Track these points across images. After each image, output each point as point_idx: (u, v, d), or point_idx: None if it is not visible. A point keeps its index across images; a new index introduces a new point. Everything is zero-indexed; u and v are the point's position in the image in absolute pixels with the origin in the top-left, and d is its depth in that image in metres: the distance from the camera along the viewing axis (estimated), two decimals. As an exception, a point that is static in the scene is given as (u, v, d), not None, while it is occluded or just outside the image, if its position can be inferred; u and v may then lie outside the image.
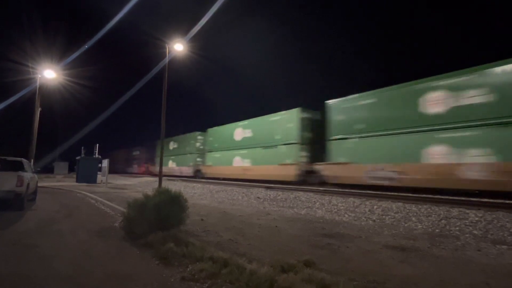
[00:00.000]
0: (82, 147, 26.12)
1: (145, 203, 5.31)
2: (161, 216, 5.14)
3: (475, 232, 6.40)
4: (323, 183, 15.24)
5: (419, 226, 7.11)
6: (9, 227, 6.45)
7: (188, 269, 3.67)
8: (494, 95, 10.01)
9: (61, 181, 24.97)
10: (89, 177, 22.49)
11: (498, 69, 10.11)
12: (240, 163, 21.65)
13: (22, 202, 8.63)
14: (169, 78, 14.83)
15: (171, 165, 32.33)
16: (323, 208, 9.69)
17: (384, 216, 8.11)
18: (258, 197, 12.59)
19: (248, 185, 17.20)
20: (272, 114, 19.55)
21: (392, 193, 11.00)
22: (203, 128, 28.38)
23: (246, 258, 3.96)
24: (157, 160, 26.99)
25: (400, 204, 9.08)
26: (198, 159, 27.98)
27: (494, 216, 7.16)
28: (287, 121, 18.05)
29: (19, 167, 9.33)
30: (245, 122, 21.88)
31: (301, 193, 12.63)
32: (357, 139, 13.91)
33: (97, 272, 3.81)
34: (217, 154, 24.68)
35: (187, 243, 4.43)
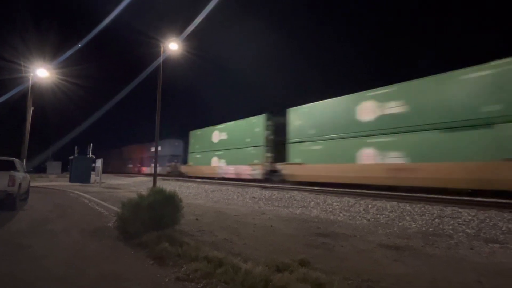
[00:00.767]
0: (76, 147, 25.90)
1: (139, 202, 5.27)
2: (155, 216, 5.11)
3: (468, 231, 6.46)
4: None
5: (413, 225, 7.16)
6: (1, 227, 6.37)
7: (183, 269, 3.65)
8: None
9: (54, 181, 24.71)
10: (82, 177, 22.29)
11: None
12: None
13: (14, 202, 8.53)
14: (165, 78, 14.78)
15: (216, 163, 23.90)
16: (318, 208, 9.71)
17: (378, 215, 8.16)
18: (253, 197, 12.59)
19: (243, 184, 17.23)
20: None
21: (387, 193, 11.07)
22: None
23: (241, 258, 3.95)
24: (193, 156, 27.16)
25: (394, 203, 9.14)
26: (268, 155, 19.51)
27: (487, 215, 7.24)
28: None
29: (11, 166, 9.21)
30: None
31: (296, 192, 12.66)
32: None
33: (91, 272, 3.77)
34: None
35: (182, 243, 4.41)
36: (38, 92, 21.77)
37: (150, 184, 14.64)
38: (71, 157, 24.02)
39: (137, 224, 5.03)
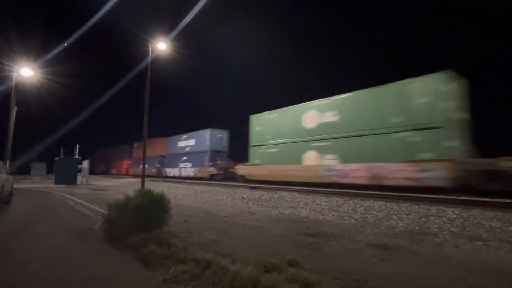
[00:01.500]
0: (62, 148, 25.38)
1: (126, 204, 5.18)
2: (142, 218, 5.03)
3: (453, 229, 6.60)
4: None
5: (400, 224, 7.27)
6: (-18, 231, 6.16)
7: (171, 271, 3.60)
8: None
9: (39, 183, 24.12)
10: (68, 179, 21.81)
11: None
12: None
13: (-4, 205, 8.28)
14: (159, 78, 14.61)
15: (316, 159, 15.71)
16: (307, 208, 9.76)
17: (366, 215, 8.25)
18: (243, 197, 12.56)
19: (232, 185, 17.21)
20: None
21: (374, 192, 11.21)
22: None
23: (230, 259, 3.93)
24: (259, 151, 18.83)
25: (382, 202, 9.26)
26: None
27: (471, 213, 7.41)
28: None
29: (-7, 168, 8.94)
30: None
31: (286, 193, 12.69)
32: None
33: (76, 276, 3.68)
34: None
35: (170, 245, 4.35)
36: (22, 92, 21.22)
37: (139, 186, 14.44)
38: (56, 159, 23.53)
39: (124, 226, 4.95)
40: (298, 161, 16.30)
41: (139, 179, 17.29)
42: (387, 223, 7.46)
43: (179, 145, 29.70)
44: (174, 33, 16.67)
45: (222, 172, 22.95)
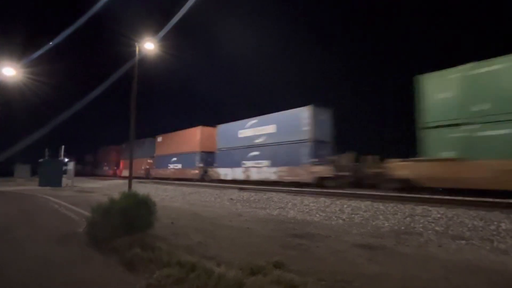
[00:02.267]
0: (46, 149, 24.82)
1: (110, 207, 5.08)
2: (127, 220, 4.94)
3: (437, 228, 6.71)
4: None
5: (386, 224, 7.35)
6: (-41, 236, 5.95)
7: (154, 275, 3.53)
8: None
9: (23, 185, 23.50)
10: (53, 181, 21.35)
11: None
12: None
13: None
14: (148, 76, 14.39)
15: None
16: (295, 209, 9.78)
17: (353, 215, 8.32)
18: (231, 199, 12.51)
19: (221, 186, 17.10)
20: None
21: (362, 192, 11.32)
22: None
23: (215, 261, 3.89)
24: (442, 135, 11.07)
25: (368, 203, 9.35)
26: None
27: (455, 212, 7.55)
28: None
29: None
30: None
31: (274, 193, 12.69)
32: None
33: (57, 281, 3.59)
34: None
35: (154, 248, 4.29)
36: (5, 92, 20.66)
37: (126, 187, 14.21)
38: (40, 160, 23.01)
39: (108, 229, 4.85)
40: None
41: (126, 181, 17.03)
42: (373, 223, 7.53)
43: (241, 135, 20.88)
44: (163, 32, 16.48)
45: (346, 173, 14.95)
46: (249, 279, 3.11)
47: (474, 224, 6.70)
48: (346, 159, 15.55)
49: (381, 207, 8.76)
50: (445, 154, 11.04)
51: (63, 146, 24.54)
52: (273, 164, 18.48)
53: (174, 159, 28.19)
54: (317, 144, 16.64)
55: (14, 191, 17.60)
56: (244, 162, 20.45)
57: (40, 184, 21.63)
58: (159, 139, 31.29)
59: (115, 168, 41.73)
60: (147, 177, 31.38)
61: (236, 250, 4.91)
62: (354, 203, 9.55)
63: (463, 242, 5.67)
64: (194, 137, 25.70)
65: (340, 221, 7.96)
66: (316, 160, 16.15)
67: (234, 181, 20.30)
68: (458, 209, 7.84)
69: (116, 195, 5.91)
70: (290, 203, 10.58)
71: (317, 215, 8.71)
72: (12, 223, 7.43)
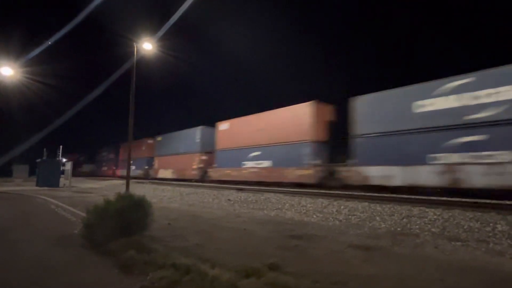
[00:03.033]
0: (44, 149, 24.78)
1: (106, 208, 5.07)
2: (123, 222, 4.93)
3: (433, 229, 6.72)
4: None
5: (383, 225, 7.36)
6: (-45, 237, 5.94)
7: (149, 277, 3.54)
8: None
9: (20, 185, 23.45)
10: (51, 181, 21.31)
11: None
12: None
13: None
14: (146, 76, 14.36)
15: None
16: (293, 209, 9.78)
17: (350, 216, 8.33)
18: (229, 199, 12.50)
19: (219, 187, 17.12)
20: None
21: (359, 193, 11.34)
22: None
23: (211, 264, 3.88)
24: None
25: (365, 204, 9.36)
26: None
27: (451, 214, 7.57)
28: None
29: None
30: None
31: (272, 194, 12.70)
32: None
33: (52, 283, 3.59)
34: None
35: (150, 250, 4.28)
36: (3, 92, 20.63)
37: (124, 188, 14.19)
38: (38, 160, 22.97)
39: (104, 231, 4.84)
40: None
41: (124, 181, 17.00)
42: (370, 224, 7.54)
43: (423, 108, 11.76)
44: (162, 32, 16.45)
45: None
46: (242, 282, 3.11)
47: (470, 225, 6.72)
48: None
49: (378, 208, 8.77)
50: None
51: (61, 146, 24.51)
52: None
53: (256, 153, 19.31)
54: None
55: (12, 191, 17.55)
56: (435, 155, 11.22)
57: (38, 184, 21.58)
58: (223, 126, 22.34)
59: (146, 167, 32.53)
60: (202, 179, 23.35)
61: (234, 251, 4.90)
62: (352, 204, 9.57)
63: (459, 243, 5.68)
64: (298, 119, 16.72)
65: (337, 222, 7.96)
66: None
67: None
68: (454, 210, 7.86)
69: (112, 196, 5.90)
70: (287, 204, 10.58)
71: (315, 216, 8.71)
72: (10, 225, 7.42)
